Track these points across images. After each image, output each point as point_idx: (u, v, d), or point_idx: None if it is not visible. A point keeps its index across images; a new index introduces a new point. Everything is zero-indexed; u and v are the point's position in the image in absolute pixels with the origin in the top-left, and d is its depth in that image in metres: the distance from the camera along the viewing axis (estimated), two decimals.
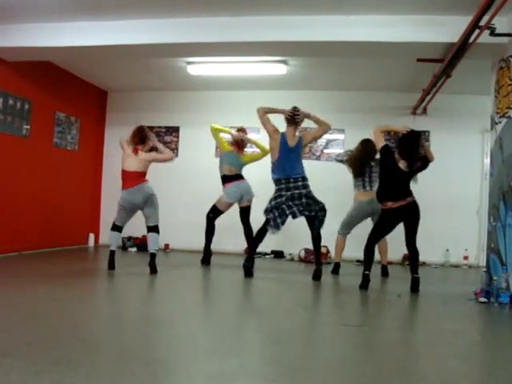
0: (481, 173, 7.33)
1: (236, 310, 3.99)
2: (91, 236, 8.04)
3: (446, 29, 4.71)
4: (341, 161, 5.99)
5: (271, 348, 2.76)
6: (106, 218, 7.86)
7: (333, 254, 6.24)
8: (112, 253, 5.24)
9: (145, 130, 5.33)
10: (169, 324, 3.21)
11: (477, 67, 5.49)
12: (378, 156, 5.05)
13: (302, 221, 5.28)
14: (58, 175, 7.20)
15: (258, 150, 6.32)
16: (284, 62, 6.46)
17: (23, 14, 5.21)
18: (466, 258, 7.14)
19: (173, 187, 7.72)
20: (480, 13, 4.00)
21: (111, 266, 5.21)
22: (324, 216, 5.21)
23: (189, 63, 6.66)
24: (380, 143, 4.80)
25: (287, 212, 5.14)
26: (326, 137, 7.80)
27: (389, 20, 4.88)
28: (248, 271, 5.22)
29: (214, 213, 6.19)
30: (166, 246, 7.66)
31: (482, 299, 4.23)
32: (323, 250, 6.50)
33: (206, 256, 6.20)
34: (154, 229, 5.25)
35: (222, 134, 6.34)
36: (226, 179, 6.14)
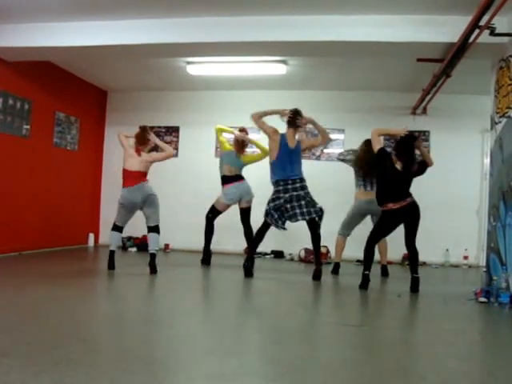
0: (481, 173, 7.33)
1: (236, 309, 3.99)
2: (91, 236, 8.04)
3: (446, 29, 4.71)
4: (343, 160, 5.95)
5: (271, 348, 2.76)
6: (106, 218, 7.87)
7: (333, 253, 6.24)
8: (112, 253, 5.25)
9: (147, 130, 5.35)
10: (169, 324, 3.21)
11: (477, 67, 5.49)
12: None
13: (301, 221, 5.28)
14: (58, 175, 7.20)
15: (258, 151, 6.31)
16: (284, 61, 6.46)
17: (23, 14, 5.21)
18: (465, 257, 7.14)
19: (173, 187, 7.72)
20: (480, 13, 4.00)
21: (111, 266, 5.21)
22: (321, 218, 5.20)
23: (188, 63, 6.66)
24: (377, 145, 4.79)
25: (285, 215, 5.14)
26: None
27: (389, 20, 4.88)
28: (248, 271, 5.22)
29: (213, 213, 6.19)
30: (166, 245, 7.66)
31: (482, 299, 4.23)
32: (323, 250, 6.51)
33: (206, 256, 6.20)
34: (154, 229, 5.25)
35: (224, 134, 6.34)
36: (225, 180, 6.13)
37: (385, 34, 4.92)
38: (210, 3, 4.86)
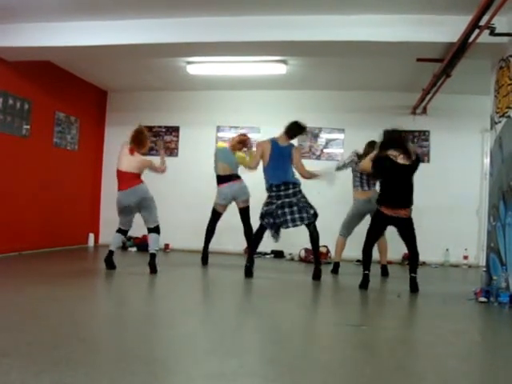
0: (480, 172, 7.33)
1: (236, 309, 3.99)
2: (91, 236, 8.03)
3: (446, 28, 4.71)
4: (343, 166, 5.86)
5: (271, 348, 2.76)
6: (106, 218, 7.88)
7: (333, 253, 6.24)
8: (110, 253, 5.23)
9: (143, 132, 5.31)
10: (169, 324, 3.21)
11: (477, 67, 5.49)
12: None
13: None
14: (58, 175, 7.19)
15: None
16: (284, 61, 6.45)
17: (23, 14, 5.21)
18: (465, 257, 7.14)
19: (173, 187, 7.71)
20: (480, 12, 3.99)
21: (108, 265, 5.20)
22: (314, 221, 5.18)
23: (188, 63, 6.65)
24: (369, 163, 4.86)
25: (277, 220, 5.15)
26: (326, 136, 7.83)
27: (388, 20, 4.87)
28: (248, 271, 5.23)
29: (216, 216, 6.16)
30: (166, 245, 7.66)
31: (482, 299, 4.23)
32: (323, 249, 6.52)
33: (204, 255, 6.20)
34: (154, 230, 5.26)
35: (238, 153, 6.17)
36: (219, 180, 6.07)
37: (384, 33, 4.91)
38: (210, 3, 4.86)
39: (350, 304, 4.27)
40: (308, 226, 5.20)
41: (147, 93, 8.17)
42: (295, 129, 5.35)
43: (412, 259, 4.75)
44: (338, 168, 5.83)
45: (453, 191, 7.25)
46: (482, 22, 4.16)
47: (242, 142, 6.14)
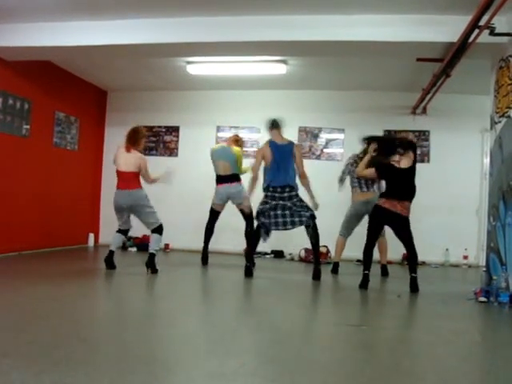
0: (480, 172, 7.33)
1: (236, 309, 3.99)
2: (91, 236, 8.03)
3: (446, 28, 4.71)
4: (343, 175, 5.84)
5: (271, 348, 2.76)
6: (106, 218, 7.87)
7: (333, 253, 6.24)
8: (110, 253, 5.23)
9: (139, 132, 5.30)
10: (169, 324, 3.21)
11: (476, 67, 5.49)
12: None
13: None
14: (58, 175, 7.19)
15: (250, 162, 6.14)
16: (284, 61, 6.45)
17: (22, 14, 5.21)
18: (465, 257, 7.14)
19: (173, 187, 7.68)
20: (479, 12, 3.99)
21: (108, 265, 5.20)
22: (311, 223, 5.17)
23: (188, 63, 6.65)
24: (370, 171, 4.92)
25: (267, 221, 5.18)
26: (326, 136, 7.83)
27: (388, 19, 4.87)
28: (248, 271, 5.23)
29: (214, 215, 6.17)
30: (166, 245, 7.66)
31: (482, 299, 4.24)
32: (323, 249, 6.52)
33: (203, 255, 6.20)
34: (155, 230, 5.27)
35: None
36: (219, 179, 6.05)
37: (384, 33, 4.91)
38: (210, 3, 4.86)
39: (350, 304, 4.27)
40: (306, 228, 5.20)
41: (147, 93, 8.17)
42: (270, 122, 5.39)
43: (411, 259, 4.76)
44: (341, 180, 5.88)
45: (453, 191, 7.25)
46: (482, 22, 4.16)
47: (237, 141, 6.22)
